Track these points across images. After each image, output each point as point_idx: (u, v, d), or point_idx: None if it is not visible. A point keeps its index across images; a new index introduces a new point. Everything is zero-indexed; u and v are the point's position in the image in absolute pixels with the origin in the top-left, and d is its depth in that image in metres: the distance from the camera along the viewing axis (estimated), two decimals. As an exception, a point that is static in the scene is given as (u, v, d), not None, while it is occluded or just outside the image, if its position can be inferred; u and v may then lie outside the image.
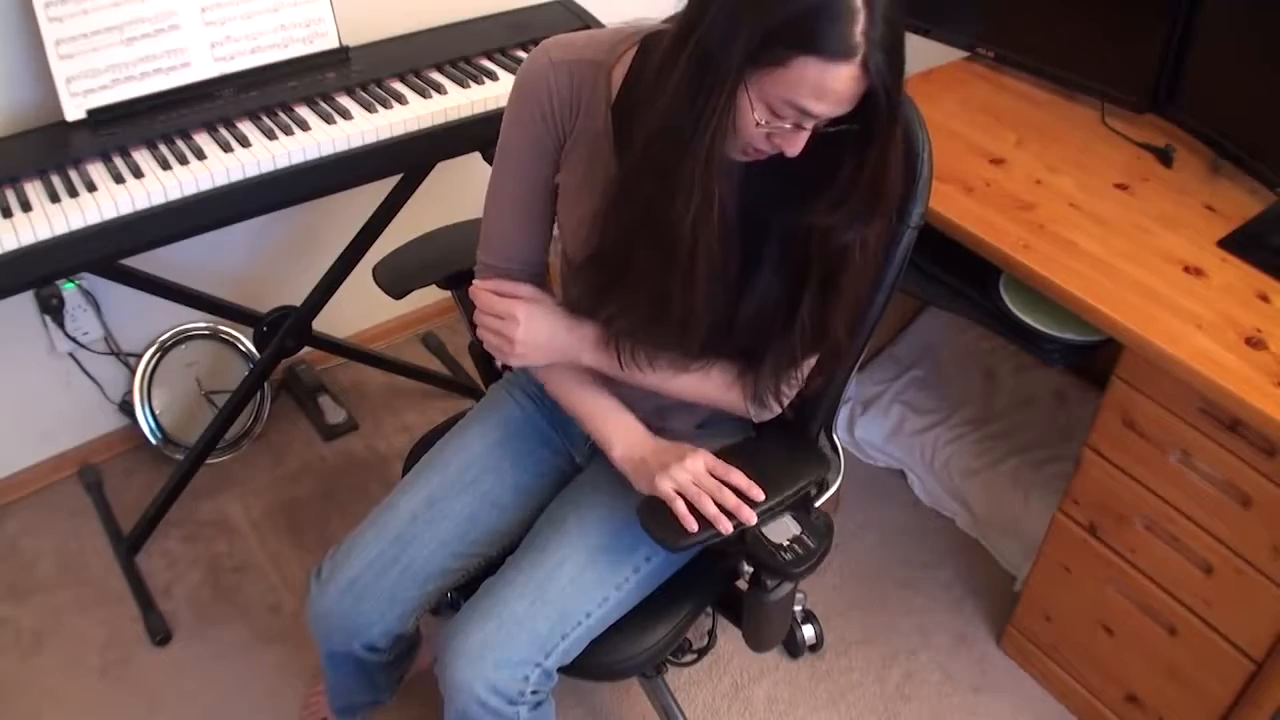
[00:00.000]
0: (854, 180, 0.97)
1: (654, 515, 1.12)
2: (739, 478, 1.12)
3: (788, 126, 0.94)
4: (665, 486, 1.11)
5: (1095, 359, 1.50)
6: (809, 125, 0.94)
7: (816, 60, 0.87)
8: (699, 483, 1.11)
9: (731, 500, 1.10)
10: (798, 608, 1.78)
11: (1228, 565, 1.36)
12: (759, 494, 1.11)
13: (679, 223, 0.98)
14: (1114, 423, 1.42)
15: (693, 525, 1.09)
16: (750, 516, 1.10)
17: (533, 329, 1.15)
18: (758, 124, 0.93)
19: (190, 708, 1.73)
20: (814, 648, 1.81)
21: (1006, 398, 2.18)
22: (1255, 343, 1.28)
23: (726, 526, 1.09)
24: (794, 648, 1.80)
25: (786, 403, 1.20)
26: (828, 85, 0.89)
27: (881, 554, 1.97)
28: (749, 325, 1.11)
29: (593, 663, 1.22)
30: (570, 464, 1.36)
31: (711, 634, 1.43)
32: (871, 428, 2.16)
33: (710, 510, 1.10)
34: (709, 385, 1.19)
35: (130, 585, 1.90)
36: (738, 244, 1.05)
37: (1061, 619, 1.65)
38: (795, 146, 0.96)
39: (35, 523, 2.03)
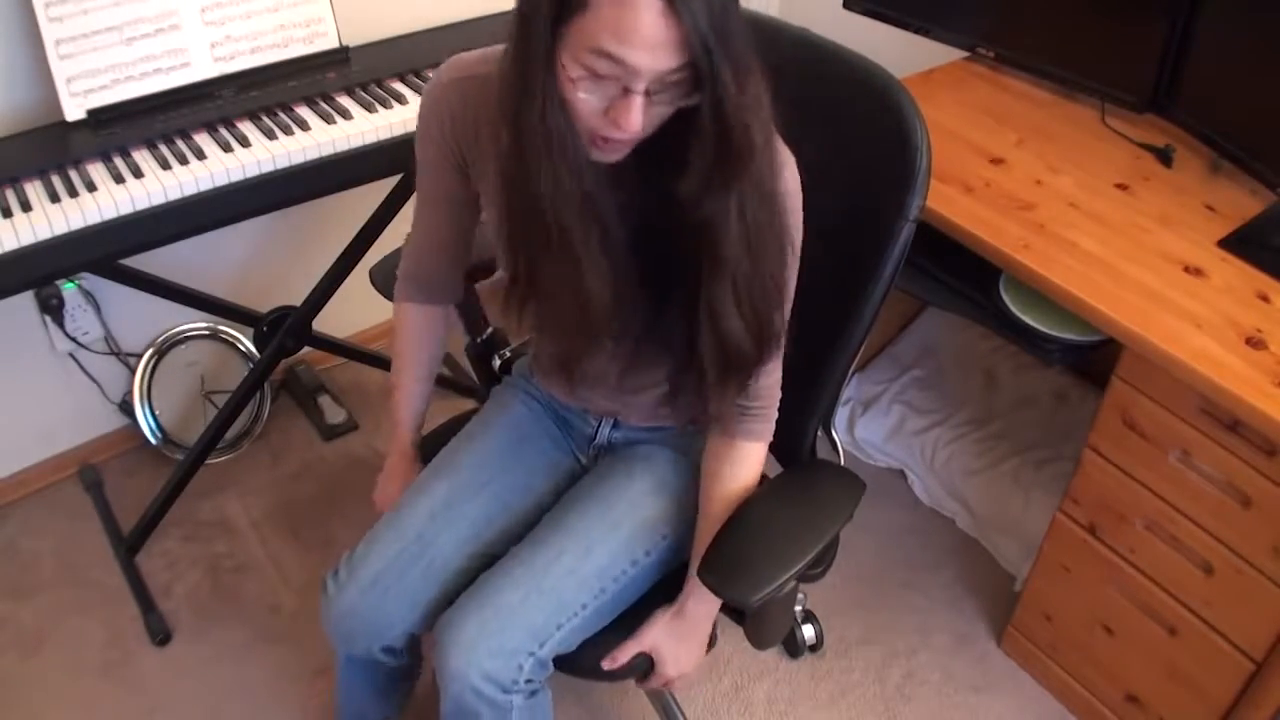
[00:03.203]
0: (700, 145, 0.92)
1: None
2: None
3: (612, 91, 0.88)
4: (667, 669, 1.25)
5: (1095, 359, 1.50)
6: (636, 87, 0.87)
7: None
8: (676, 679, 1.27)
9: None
10: (798, 608, 1.78)
11: (1228, 565, 1.36)
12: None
13: (540, 206, 0.96)
14: (1114, 423, 1.42)
15: (614, 664, 1.23)
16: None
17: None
18: (572, 80, 0.88)
19: (190, 708, 1.73)
20: (814, 648, 1.81)
21: (1007, 398, 2.18)
22: (1255, 343, 1.28)
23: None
24: (794, 648, 1.80)
25: (757, 416, 1.17)
26: (628, 24, 0.83)
27: (882, 554, 1.97)
28: (673, 329, 1.08)
29: (596, 662, 1.23)
30: (577, 463, 1.37)
31: (712, 634, 1.43)
32: (871, 428, 2.16)
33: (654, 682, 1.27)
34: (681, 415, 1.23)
35: (130, 585, 1.90)
36: (624, 239, 1.02)
37: (1061, 619, 1.65)
38: (629, 115, 0.88)
39: (35, 523, 2.02)
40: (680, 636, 1.23)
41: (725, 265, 1.00)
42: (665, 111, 0.92)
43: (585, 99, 0.90)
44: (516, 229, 1.03)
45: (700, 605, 1.22)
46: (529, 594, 1.16)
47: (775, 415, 1.19)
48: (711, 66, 0.86)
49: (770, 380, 1.16)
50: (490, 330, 1.51)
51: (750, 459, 1.19)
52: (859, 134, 1.16)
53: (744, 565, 1.11)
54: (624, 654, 1.23)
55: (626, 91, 0.88)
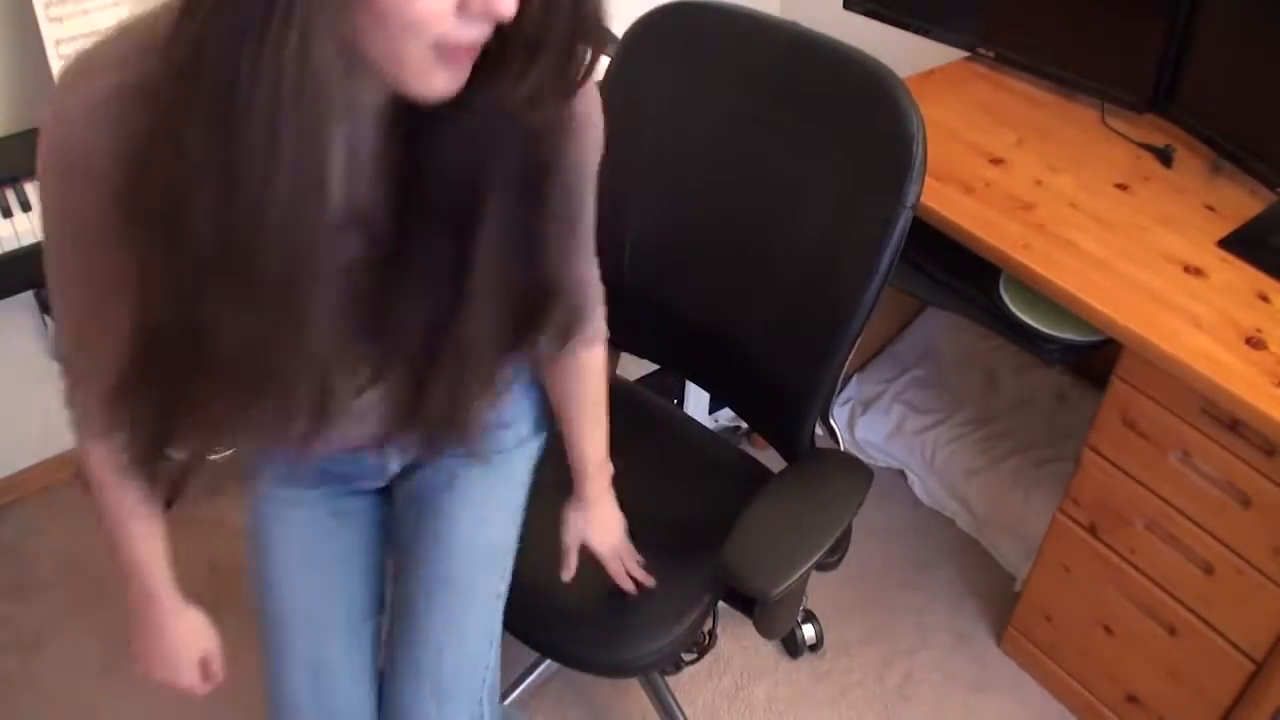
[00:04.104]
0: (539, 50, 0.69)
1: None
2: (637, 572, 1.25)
3: None
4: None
5: (1095, 359, 1.50)
6: None
7: None
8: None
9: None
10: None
11: (1228, 565, 1.36)
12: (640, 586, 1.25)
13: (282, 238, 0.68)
14: (1114, 423, 1.42)
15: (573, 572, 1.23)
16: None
17: None
18: None
19: (190, 708, 1.72)
20: (814, 647, 1.81)
21: (1007, 397, 2.18)
22: (1255, 343, 1.28)
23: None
24: (794, 648, 1.80)
25: (578, 325, 1.03)
26: None
27: (881, 554, 1.97)
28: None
29: (610, 660, 1.24)
30: (379, 494, 1.24)
31: (712, 634, 1.43)
32: (871, 428, 2.16)
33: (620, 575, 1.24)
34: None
35: (130, 585, 1.90)
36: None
37: (1061, 619, 1.65)
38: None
39: (35, 523, 2.03)
40: (596, 520, 1.23)
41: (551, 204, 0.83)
42: None
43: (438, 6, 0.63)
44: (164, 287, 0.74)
45: (599, 485, 1.22)
46: (439, 701, 1.12)
47: (598, 309, 1.08)
48: None
49: (573, 299, 0.98)
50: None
51: (594, 365, 1.13)
52: (856, 125, 1.18)
53: (762, 557, 1.13)
54: (573, 560, 1.22)
55: None
